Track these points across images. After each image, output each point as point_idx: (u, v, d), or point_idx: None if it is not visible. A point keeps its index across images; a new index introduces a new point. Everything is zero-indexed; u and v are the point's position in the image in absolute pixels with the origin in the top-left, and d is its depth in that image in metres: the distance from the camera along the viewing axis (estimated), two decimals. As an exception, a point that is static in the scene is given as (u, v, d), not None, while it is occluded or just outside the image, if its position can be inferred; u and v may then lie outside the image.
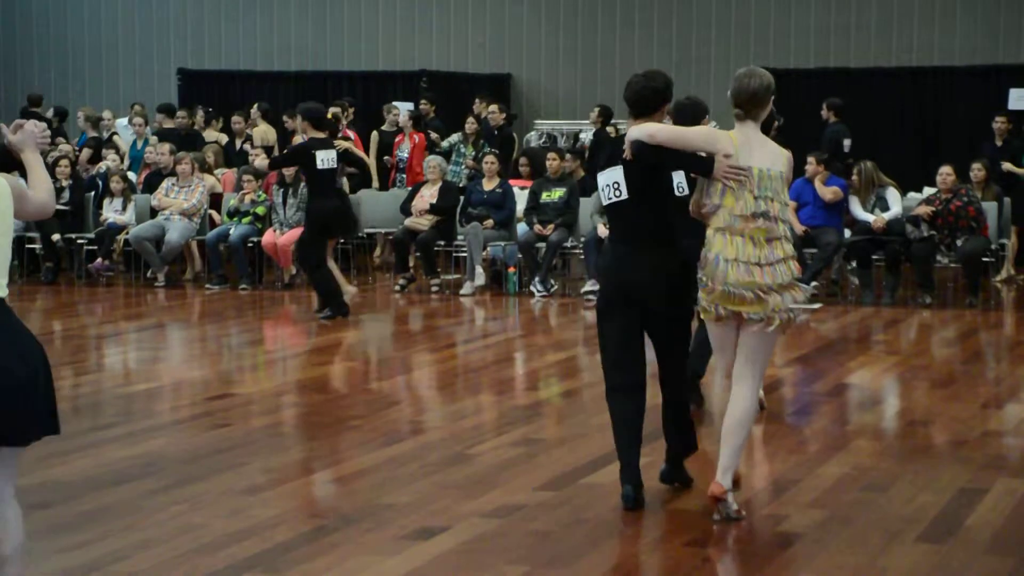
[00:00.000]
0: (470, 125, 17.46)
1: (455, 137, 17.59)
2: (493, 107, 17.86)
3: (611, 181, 6.52)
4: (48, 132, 4.82)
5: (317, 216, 12.93)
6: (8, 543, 4.59)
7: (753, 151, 6.23)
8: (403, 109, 18.77)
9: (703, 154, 6.24)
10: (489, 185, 15.24)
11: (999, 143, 16.39)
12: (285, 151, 13.81)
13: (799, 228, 13.43)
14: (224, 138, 18.68)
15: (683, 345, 6.75)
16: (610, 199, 6.53)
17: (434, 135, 17.79)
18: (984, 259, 14.00)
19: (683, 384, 6.84)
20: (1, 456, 4.56)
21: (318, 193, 12.99)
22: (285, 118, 18.16)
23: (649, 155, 6.30)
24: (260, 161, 14.09)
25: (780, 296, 6.16)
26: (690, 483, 6.78)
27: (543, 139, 19.55)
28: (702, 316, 6.47)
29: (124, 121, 19.03)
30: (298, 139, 14.21)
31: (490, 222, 14.95)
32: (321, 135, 12.88)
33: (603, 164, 6.67)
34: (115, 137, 18.61)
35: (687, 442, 6.81)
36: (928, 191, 14.35)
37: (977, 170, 14.69)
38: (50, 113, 19.65)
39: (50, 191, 4.68)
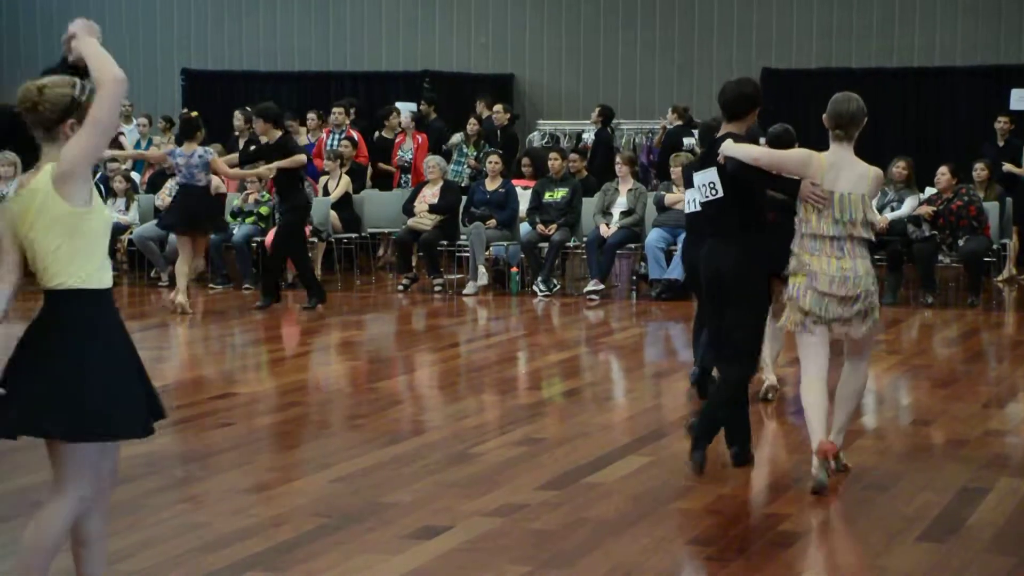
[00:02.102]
0: (472, 125, 17.48)
1: (457, 137, 17.61)
2: (498, 107, 17.90)
3: (707, 181, 7.17)
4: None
5: (305, 207, 13.81)
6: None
7: (840, 175, 6.83)
8: (405, 110, 18.79)
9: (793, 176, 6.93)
10: (492, 185, 15.26)
11: (1001, 143, 16.39)
12: (265, 147, 13.82)
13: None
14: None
15: (752, 329, 7.19)
16: (707, 197, 7.18)
17: (453, 139, 17.73)
18: (986, 259, 14.02)
19: (744, 365, 7.23)
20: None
21: (298, 187, 13.61)
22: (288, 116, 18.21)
23: (746, 172, 6.96)
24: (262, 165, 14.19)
25: (865, 300, 6.86)
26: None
27: (545, 139, 19.56)
28: (791, 328, 7.08)
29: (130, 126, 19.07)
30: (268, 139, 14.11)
31: (493, 222, 14.97)
32: (280, 132, 13.47)
33: (699, 165, 7.38)
34: (120, 137, 18.62)
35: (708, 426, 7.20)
36: (930, 191, 14.36)
37: (980, 170, 14.71)
38: None
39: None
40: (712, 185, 7.12)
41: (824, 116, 6.91)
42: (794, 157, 7.01)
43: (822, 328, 6.94)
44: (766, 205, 7.26)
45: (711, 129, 8.27)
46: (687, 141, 17.25)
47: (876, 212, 6.55)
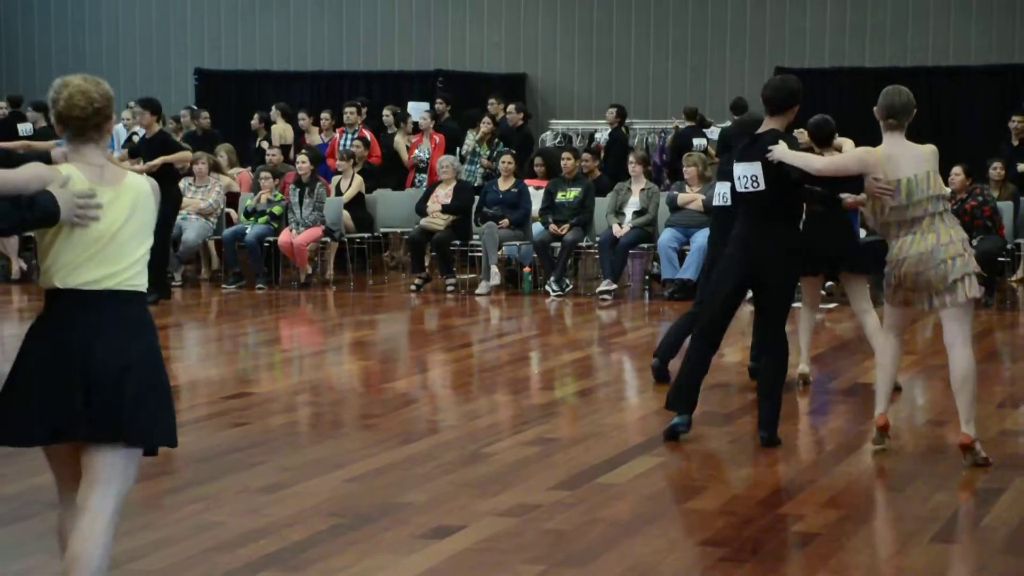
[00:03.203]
0: (485, 125, 17.48)
1: (470, 139, 17.58)
2: (511, 107, 17.91)
3: (749, 173, 7.51)
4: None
5: (177, 202, 14.09)
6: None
7: (900, 163, 7.20)
8: (419, 109, 18.80)
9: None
10: (505, 185, 15.26)
11: (1015, 143, 16.34)
12: (146, 141, 14.08)
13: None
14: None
15: (784, 313, 7.71)
16: (746, 188, 7.55)
17: (467, 142, 17.70)
18: (1000, 259, 13.98)
19: (780, 344, 7.68)
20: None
21: (175, 182, 13.91)
22: (302, 115, 18.26)
23: (811, 182, 7.46)
24: (277, 158, 14.25)
25: (951, 270, 7.14)
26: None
27: (558, 139, 19.57)
28: (888, 302, 7.48)
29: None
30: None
31: (505, 222, 14.96)
32: (160, 126, 13.96)
33: (740, 156, 7.64)
34: (134, 137, 18.66)
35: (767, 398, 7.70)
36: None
37: (996, 169, 14.67)
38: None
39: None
40: (754, 178, 7.48)
41: (875, 109, 7.29)
42: (853, 159, 7.43)
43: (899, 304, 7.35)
44: (805, 198, 7.75)
45: (748, 124, 8.47)
46: (696, 142, 17.24)
47: (943, 183, 7.20)
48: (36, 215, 4.16)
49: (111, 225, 4.28)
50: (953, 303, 7.16)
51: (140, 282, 4.34)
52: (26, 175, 4.18)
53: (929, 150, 7.32)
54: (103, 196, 4.29)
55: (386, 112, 18.36)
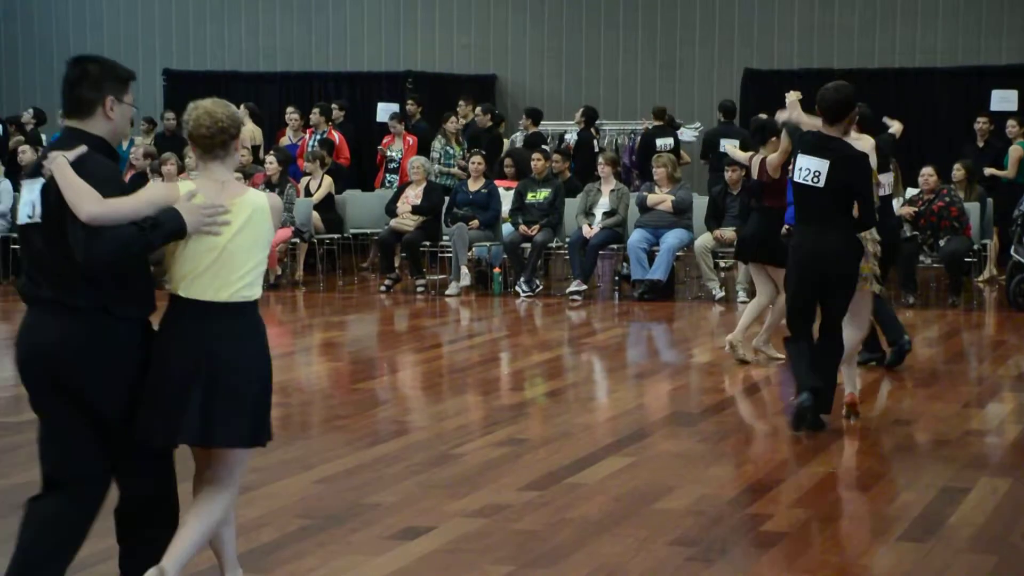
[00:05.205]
0: (450, 124, 17.44)
1: (438, 144, 17.49)
2: (477, 109, 17.89)
3: (813, 168, 7.79)
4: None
5: None
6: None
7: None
8: (388, 110, 18.78)
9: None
10: (475, 186, 15.26)
11: (981, 144, 16.45)
12: None
13: None
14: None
15: (846, 305, 8.04)
16: (805, 180, 7.82)
17: (435, 146, 17.67)
18: (966, 259, 14.06)
19: (838, 334, 8.04)
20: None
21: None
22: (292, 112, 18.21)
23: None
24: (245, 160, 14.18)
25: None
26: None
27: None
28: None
29: None
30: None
31: (475, 222, 14.97)
32: None
33: (806, 149, 7.90)
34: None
35: (825, 383, 7.97)
36: (911, 192, 14.41)
37: (957, 170, 14.76)
38: (28, 115, 19.60)
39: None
40: (817, 174, 7.76)
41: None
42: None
43: None
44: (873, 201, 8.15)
45: (865, 118, 9.11)
46: (660, 142, 17.25)
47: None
48: (162, 233, 4.53)
49: (225, 238, 4.65)
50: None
51: (252, 292, 4.76)
52: (138, 204, 4.54)
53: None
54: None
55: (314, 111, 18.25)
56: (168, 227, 4.54)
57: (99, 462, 4.74)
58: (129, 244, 4.48)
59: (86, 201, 4.43)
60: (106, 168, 4.59)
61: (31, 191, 4.61)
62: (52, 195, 4.53)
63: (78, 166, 4.51)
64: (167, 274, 4.74)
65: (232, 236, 4.66)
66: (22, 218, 4.65)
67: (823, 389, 7.93)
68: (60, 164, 4.49)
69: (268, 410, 4.85)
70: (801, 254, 7.96)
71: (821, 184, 7.78)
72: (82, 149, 4.56)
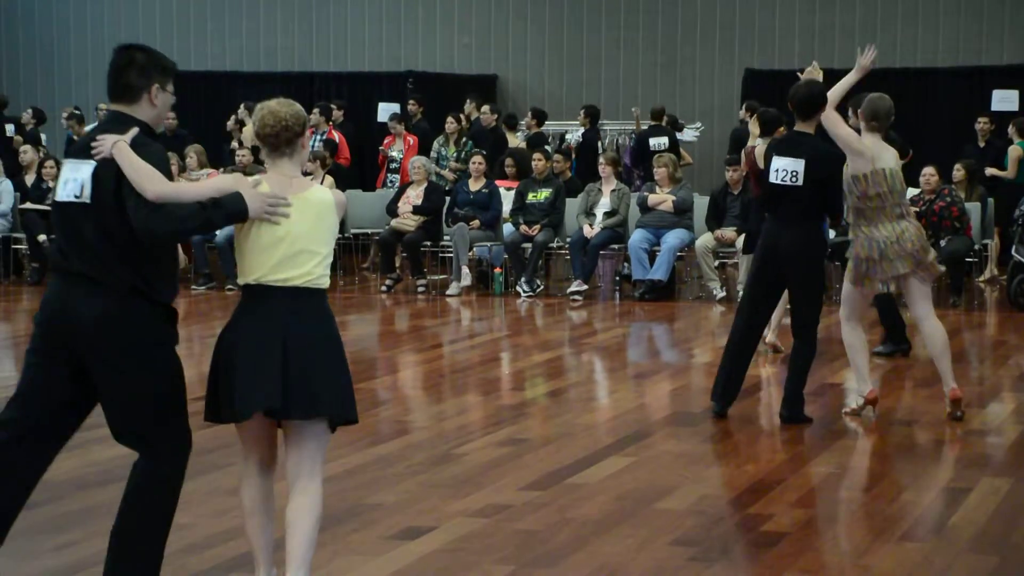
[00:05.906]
0: (450, 125, 17.44)
1: (438, 143, 17.50)
2: (484, 108, 17.90)
3: (791, 168, 7.94)
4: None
5: None
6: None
7: (884, 155, 8.25)
8: (389, 110, 18.78)
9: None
10: (475, 186, 15.26)
11: (982, 144, 16.45)
12: None
13: None
14: None
15: (815, 300, 8.25)
16: (783, 181, 7.97)
17: (436, 147, 17.67)
18: (967, 259, 14.06)
19: (810, 332, 8.25)
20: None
21: None
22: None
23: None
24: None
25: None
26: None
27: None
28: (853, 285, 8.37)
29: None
30: None
31: (476, 223, 14.97)
32: None
33: (782, 151, 8.07)
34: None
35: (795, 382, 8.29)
36: (912, 192, 14.40)
37: (957, 171, 14.76)
38: (28, 115, 19.61)
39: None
40: (795, 173, 7.91)
41: (859, 111, 8.38)
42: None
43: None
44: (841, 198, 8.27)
45: (776, 121, 9.85)
46: (654, 141, 17.20)
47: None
48: (223, 213, 4.66)
49: (289, 231, 4.76)
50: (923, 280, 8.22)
51: (320, 283, 4.88)
52: (204, 188, 4.72)
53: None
54: None
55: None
56: (229, 208, 4.66)
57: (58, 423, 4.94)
58: (187, 219, 4.63)
59: (153, 181, 4.60)
60: (159, 151, 4.76)
61: (77, 170, 4.73)
62: (106, 176, 4.65)
63: (133, 148, 4.64)
64: (238, 267, 4.86)
65: (299, 229, 4.77)
66: (65, 195, 4.75)
67: (792, 394, 8.31)
68: (122, 147, 4.63)
69: (347, 389, 4.90)
70: (764, 251, 8.21)
71: (800, 182, 7.95)
72: (135, 131, 4.70)
